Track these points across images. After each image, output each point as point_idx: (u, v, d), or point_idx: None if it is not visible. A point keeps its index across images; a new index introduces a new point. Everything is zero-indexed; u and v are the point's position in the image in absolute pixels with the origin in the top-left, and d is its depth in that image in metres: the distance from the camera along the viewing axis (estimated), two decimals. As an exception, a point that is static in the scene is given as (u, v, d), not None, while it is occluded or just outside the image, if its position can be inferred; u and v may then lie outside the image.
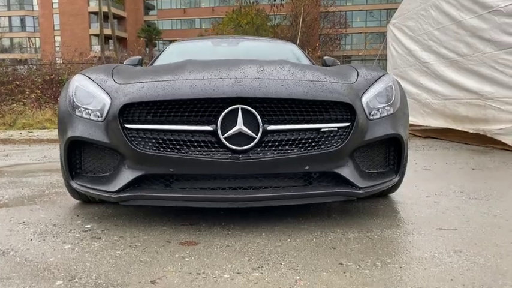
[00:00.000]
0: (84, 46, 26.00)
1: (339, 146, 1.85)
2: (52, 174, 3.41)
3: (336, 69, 2.48)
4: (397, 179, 2.11)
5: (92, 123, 1.93)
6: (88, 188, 1.96)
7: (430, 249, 1.65)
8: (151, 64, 3.57)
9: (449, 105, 5.94)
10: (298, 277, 1.39)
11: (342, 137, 1.87)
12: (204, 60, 2.42)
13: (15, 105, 9.81)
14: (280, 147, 1.81)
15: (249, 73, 1.95)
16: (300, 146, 1.83)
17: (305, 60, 3.60)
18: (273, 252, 1.62)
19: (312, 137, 1.84)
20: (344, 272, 1.43)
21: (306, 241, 1.74)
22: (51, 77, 11.19)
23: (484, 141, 5.22)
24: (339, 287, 1.32)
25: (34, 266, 1.51)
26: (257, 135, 1.76)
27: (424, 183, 2.87)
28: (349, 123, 1.87)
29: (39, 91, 10.77)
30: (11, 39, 41.00)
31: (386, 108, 2.08)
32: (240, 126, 1.74)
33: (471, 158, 4.21)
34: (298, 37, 12.57)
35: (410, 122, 7.11)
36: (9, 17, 42.04)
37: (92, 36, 37.82)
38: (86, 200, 2.36)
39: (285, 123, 1.82)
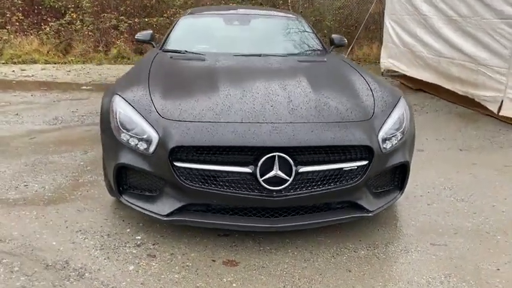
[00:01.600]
0: None
1: (357, 181, 2.17)
2: (74, 150, 3.63)
3: (351, 79, 2.70)
4: (400, 195, 2.48)
5: (139, 153, 2.17)
6: (138, 206, 2.25)
7: (425, 273, 2.07)
8: (164, 41, 3.63)
9: (443, 63, 6.14)
10: (327, 309, 1.81)
11: (360, 173, 2.18)
12: (232, 75, 2.61)
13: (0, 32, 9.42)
14: (308, 185, 2.11)
15: (282, 113, 2.18)
16: (325, 182, 2.14)
17: (314, 39, 3.71)
18: (303, 276, 2.02)
19: (335, 174, 2.15)
20: (361, 303, 1.85)
21: (326, 261, 2.14)
22: (32, -2, 10.55)
23: (471, 104, 5.57)
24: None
25: (113, 293, 1.88)
26: (290, 177, 2.05)
27: (418, 174, 3.24)
28: (367, 162, 2.17)
29: (20, 14, 10.23)
30: None
31: (398, 135, 2.36)
32: (276, 171, 2.02)
33: (459, 131, 4.59)
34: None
35: (403, 72, 7.34)
36: None
37: None
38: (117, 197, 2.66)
39: (313, 165, 2.10)
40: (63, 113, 4.80)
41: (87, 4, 10.08)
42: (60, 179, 3.04)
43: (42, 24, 10.11)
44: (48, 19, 10.18)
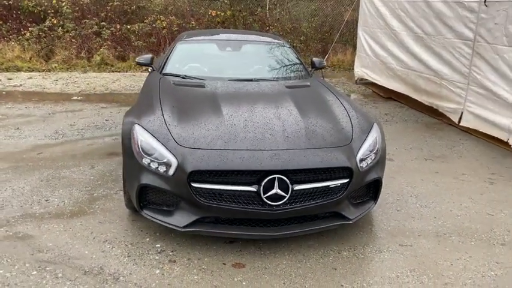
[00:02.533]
0: None
1: (340, 196, 2.69)
2: (82, 165, 4.01)
3: (331, 106, 3.22)
4: (374, 206, 3.02)
5: (160, 175, 2.61)
6: (158, 219, 2.70)
7: (395, 269, 2.61)
8: (164, 64, 4.05)
9: (411, 75, 6.79)
10: (319, 300, 2.32)
11: (342, 189, 2.70)
12: (233, 103, 3.08)
13: (-22, 39, 9.50)
14: (301, 200, 2.61)
15: (279, 140, 2.67)
16: (314, 197, 2.64)
17: (299, 64, 4.24)
18: (298, 274, 2.52)
19: (323, 191, 2.66)
20: (345, 294, 2.37)
21: (316, 262, 2.65)
22: (10, 2, 10.59)
23: (436, 114, 6.23)
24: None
25: (146, 292, 2.32)
26: (287, 194, 2.54)
27: (390, 182, 3.80)
28: (348, 179, 2.69)
29: (-1, 19, 10.30)
30: None
31: (372, 156, 2.90)
32: (276, 190, 2.51)
33: (425, 140, 5.21)
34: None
35: (375, 81, 8.01)
36: None
37: None
38: (134, 210, 3.08)
39: (305, 183, 2.60)
40: (62, 127, 5.13)
41: (68, 10, 10.26)
42: (76, 194, 3.43)
43: (21, 29, 10.20)
44: (28, 24, 10.28)
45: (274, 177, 2.50)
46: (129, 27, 10.18)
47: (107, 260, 2.59)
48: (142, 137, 2.73)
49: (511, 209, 3.45)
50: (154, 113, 2.95)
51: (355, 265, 2.64)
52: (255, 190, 2.52)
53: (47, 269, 2.48)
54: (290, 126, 2.85)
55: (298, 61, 4.38)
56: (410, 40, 6.79)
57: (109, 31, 10.00)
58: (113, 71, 9.12)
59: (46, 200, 3.30)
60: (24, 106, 6.00)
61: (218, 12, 11.17)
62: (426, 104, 6.43)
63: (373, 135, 2.98)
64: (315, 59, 4.57)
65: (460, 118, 5.70)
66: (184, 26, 10.48)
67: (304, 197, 2.62)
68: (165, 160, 2.61)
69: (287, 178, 2.52)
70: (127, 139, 2.82)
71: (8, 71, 8.48)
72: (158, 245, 2.76)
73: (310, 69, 4.49)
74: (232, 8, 11.40)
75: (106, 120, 5.48)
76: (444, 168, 4.31)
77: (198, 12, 11.33)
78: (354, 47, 9.60)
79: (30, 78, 7.91)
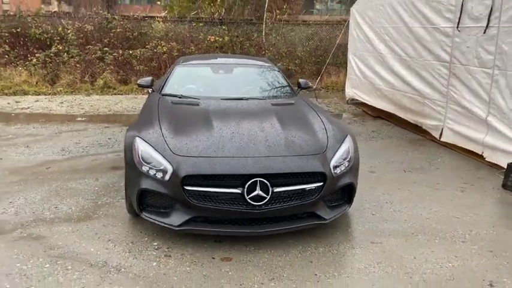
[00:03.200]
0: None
1: (316, 197, 3.09)
2: (87, 177, 4.43)
3: (310, 120, 3.65)
4: (349, 208, 3.41)
5: (157, 180, 3.02)
6: (155, 220, 3.09)
7: (364, 262, 2.99)
8: (163, 86, 4.52)
9: (397, 95, 7.26)
10: (294, 286, 2.68)
11: (317, 191, 3.10)
12: (223, 119, 3.51)
13: (-13, 65, 10.06)
14: (280, 200, 3.01)
15: (262, 149, 3.09)
16: (292, 198, 3.04)
17: (284, 84, 4.69)
18: (278, 266, 2.90)
19: (300, 193, 3.06)
20: (318, 281, 2.74)
21: (294, 256, 3.03)
22: (18, 30, 11.21)
23: (420, 131, 6.66)
24: (316, 292, 2.64)
25: (145, 279, 2.70)
26: (268, 195, 2.94)
27: (368, 192, 4.20)
28: (322, 183, 3.10)
29: (7, 46, 10.89)
30: None
31: (345, 163, 3.31)
32: (258, 191, 2.92)
33: (406, 154, 5.63)
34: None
35: (364, 101, 8.50)
36: None
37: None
38: (135, 214, 3.46)
39: (284, 186, 3.01)
40: (68, 144, 5.58)
41: (72, 37, 10.89)
42: (82, 202, 3.84)
43: (28, 55, 10.79)
44: (35, 50, 10.87)
45: (256, 181, 2.91)
46: (131, 52, 10.76)
47: (110, 255, 2.97)
48: (142, 147, 3.16)
49: (476, 213, 3.84)
50: (153, 127, 3.39)
51: (329, 259, 3.02)
52: (240, 192, 2.92)
53: (58, 262, 2.87)
54: (271, 137, 3.28)
55: (285, 82, 4.86)
56: (395, 62, 7.29)
57: (112, 56, 10.58)
58: (115, 94, 9.64)
59: (55, 207, 3.71)
60: (32, 126, 6.46)
61: (217, 38, 11.78)
62: (411, 121, 6.88)
63: (346, 145, 3.40)
64: (301, 80, 5.04)
65: (441, 134, 6.13)
66: (184, 51, 11.06)
67: (283, 198, 3.02)
68: (162, 167, 3.03)
69: (267, 181, 2.93)
70: (129, 150, 3.25)
71: (16, 95, 9.00)
72: (155, 243, 3.15)
73: (296, 89, 4.94)
74: (230, 34, 12.02)
75: (109, 138, 5.92)
76: (421, 179, 4.71)
77: (197, 38, 11.95)
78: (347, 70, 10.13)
79: (37, 101, 8.41)
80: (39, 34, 11.00)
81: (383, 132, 6.80)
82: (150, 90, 4.80)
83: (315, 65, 12.40)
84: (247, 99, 4.24)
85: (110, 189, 4.12)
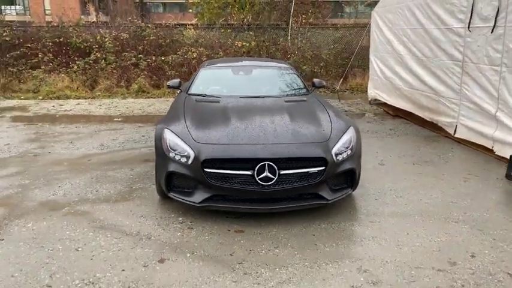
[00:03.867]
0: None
1: (318, 180, 3.56)
2: (123, 167, 5.07)
3: (318, 114, 4.12)
4: (351, 191, 3.86)
5: (181, 164, 3.59)
6: (180, 198, 3.66)
7: (360, 235, 3.43)
8: (189, 87, 5.11)
9: (415, 94, 7.58)
10: (296, 252, 3.17)
11: (320, 174, 3.57)
12: (239, 113, 4.05)
13: (35, 71, 11.08)
14: (286, 181, 3.50)
15: (270, 137, 3.60)
16: (297, 180, 3.53)
17: (299, 83, 5.17)
18: (283, 237, 3.39)
19: (303, 175, 3.54)
20: (317, 250, 3.21)
21: (299, 230, 3.51)
22: (61, 40, 12.21)
23: (436, 128, 6.96)
24: (317, 257, 3.10)
25: (170, 245, 3.26)
26: (275, 176, 3.44)
27: (375, 181, 4.62)
28: (324, 167, 3.57)
29: (51, 55, 11.89)
30: None
31: (347, 152, 3.76)
32: (266, 173, 3.42)
33: (418, 149, 5.97)
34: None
35: (385, 101, 8.87)
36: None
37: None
38: (164, 197, 4.04)
39: (289, 169, 3.50)
40: (106, 141, 6.28)
41: (109, 45, 11.77)
42: (119, 187, 4.47)
43: (70, 63, 11.76)
44: (75, 58, 11.83)
45: (265, 164, 3.42)
46: (163, 58, 11.53)
47: (142, 227, 3.56)
48: (170, 137, 3.74)
49: (474, 199, 4.18)
50: (179, 121, 3.97)
51: (330, 233, 3.48)
52: (251, 174, 3.44)
53: (100, 231, 3.47)
54: (280, 128, 3.78)
55: (299, 82, 5.34)
56: (413, 63, 7.62)
57: (145, 62, 11.39)
58: (148, 97, 10.40)
59: (96, 191, 4.35)
60: (74, 126, 7.24)
61: (244, 43, 12.39)
62: (428, 119, 7.18)
63: (348, 135, 3.85)
64: (315, 80, 5.52)
65: (455, 131, 6.42)
66: (213, 56, 11.73)
67: (289, 179, 3.51)
68: (185, 153, 3.59)
69: (274, 164, 3.43)
70: (158, 140, 3.84)
71: (59, 99, 9.92)
72: (180, 218, 3.72)
73: (311, 88, 5.42)
74: (257, 39, 12.60)
75: (142, 136, 6.59)
76: (428, 170, 5.07)
77: (225, 43, 12.61)
78: (371, 72, 10.47)
79: (78, 104, 9.27)
80: (80, 43, 11.94)
81: (399, 130, 7.15)
82: (178, 91, 5.40)
83: (340, 68, 12.76)
84: (263, 97, 4.76)
85: (142, 177, 4.74)
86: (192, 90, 5.01)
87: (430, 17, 6.99)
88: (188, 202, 3.62)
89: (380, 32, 8.96)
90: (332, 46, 13.06)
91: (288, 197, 3.60)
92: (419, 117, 7.46)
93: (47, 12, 27.41)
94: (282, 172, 3.47)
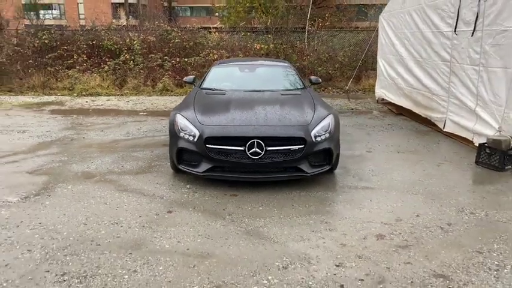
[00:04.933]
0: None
1: (298, 155, 4.45)
2: (144, 150, 6.10)
3: (305, 104, 5.01)
4: (328, 167, 4.73)
5: (189, 141, 4.56)
6: (187, 169, 4.63)
7: (331, 201, 4.30)
8: (201, 82, 6.10)
9: (414, 93, 8.33)
10: (275, 209, 4.07)
11: (300, 151, 4.46)
12: (239, 103, 5.00)
13: (70, 71, 12.39)
14: (272, 156, 4.41)
15: (261, 120, 4.53)
16: (281, 155, 4.44)
17: (297, 79, 6.07)
18: (268, 200, 4.29)
19: (286, 151, 4.45)
20: (292, 208, 4.11)
21: (282, 196, 4.41)
22: (93, 42, 13.52)
23: (430, 124, 7.70)
24: (290, 213, 3.99)
25: (177, 202, 4.22)
26: (262, 151, 4.36)
27: (358, 164, 5.45)
28: (303, 145, 4.46)
29: (84, 56, 13.21)
30: None
31: (326, 134, 4.64)
32: (255, 149, 4.34)
33: (408, 141, 6.76)
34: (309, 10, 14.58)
35: (390, 100, 9.72)
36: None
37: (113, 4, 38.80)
38: (176, 171, 5.02)
39: (274, 146, 4.40)
40: (132, 130, 7.36)
41: (138, 47, 12.97)
42: (140, 163, 5.49)
43: (101, 63, 13.03)
44: (106, 59, 13.09)
45: (254, 141, 4.34)
46: (186, 60, 12.64)
47: (157, 190, 4.54)
48: (181, 120, 4.72)
49: (438, 178, 4.96)
50: (189, 108, 4.95)
51: (307, 198, 4.36)
52: (243, 149, 4.37)
53: (123, 193, 4.48)
54: (270, 114, 4.70)
55: (297, 78, 6.24)
56: (412, 64, 8.38)
57: (170, 63, 12.53)
58: (172, 95, 11.51)
59: (122, 166, 5.38)
60: (105, 118, 8.38)
61: (262, 46, 13.35)
62: (423, 116, 7.93)
63: (327, 121, 4.73)
64: (312, 77, 6.42)
65: (444, 125, 7.16)
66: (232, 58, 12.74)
67: (274, 154, 4.42)
68: (192, 133, 4.56)
69: (262, 142, 4.35)
70: (171, 123, 4.82)
71: (91, 96, 11.16)
72: (188, 186, 4.69)
73: (308, 84, 6.31)
74: (275, 42, 13.54)
75: (163, 126, 7.64)
76: (409, 157, 5.86)
77: (245, 46, 13.61)
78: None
79: (108, 100, 10.46)
80: (111, 45, 13.21)
81: (396, 125, 7.92)
82: (193, 86, 6.41)
83: (355, 69, 13.54)
84: (263, 91, 5.69)
85: (160, 157, 5.74)
86: (204, 85, 6.00)
87: (425, 22, 7.75)
88: (194, 172, 4.58)
89: (386, 35, 9.74)
90: (347, 48, 13.82)
91: (274, 169, 4.52)
92: (419, 114, 8.19)
93: (81, 16, 29.33)
94: (268, 148, 4.38)
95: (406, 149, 6.29)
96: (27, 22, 20.50)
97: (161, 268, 3.03)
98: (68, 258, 3.14)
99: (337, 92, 12.28)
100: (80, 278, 2.90)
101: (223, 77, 6.28)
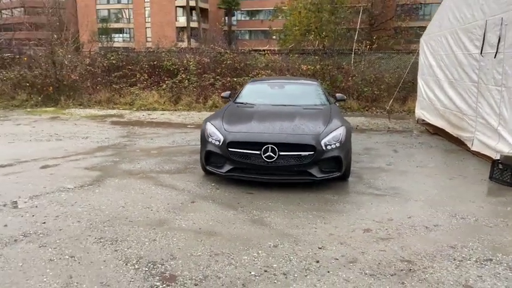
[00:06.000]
0: (170, 16, 30.32)
1: (308, 161, 5.12)
2: (183, 156, 7.03)
3: (321, 117, 5.68)
4: (338, 174, 5.33)
5: (215, 145, 5.39)
6: (213, 169, 5.45)
7: (336, 202, 4.90)
8: (236, 97, 6.97)
9: (447, 113, 8.65)
10: (282, 205, 4.75)
11: (310, 157, 5.13)
12: (261, 115, 5.78)
13: (132, 88, 13.90)
14: (285, 160, 5.12)
15: (276, 129, 5.27)
16: (293, 159, 5.13)
17: (322, 96, 6.76)
18: (278, 197, 4.98)
19: (297, 157, 5.13)
20: (298, 205, 4.76)
21: (292, 195, 5.07)
22: (155, 63, 15.03)
23: (462, 143, 7.98)
24: (294, 209, 4.65)
25: (201, 196, 5.03)
26: (275, 155, 5.08)
27: (373, 174, 5.98)
28: (313, 152, 5.12)
29: (146, 75, 14.72)
30: (109, 10, 48.26)
31: (336, 144, 5.27)
32: (269, 153, 5.07)
33: (431, 157, 7.14)
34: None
35: (427, 120, 10.12)
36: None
37: (177, 8, 42.50)
38: (205, 171, 5.84)
39: (287, 151, 5.11)
40: (177, 139, 8.37)
41: (193, 67, 14.25)
42: (178, 165, 6.41)
43: (160, 82, 14.44)
44: (165, 78, 14.49)
45: (268, 146, 5.08)
46: (235, 79, 13.69)
47: (187, 186, 5.40)
48: (210, 128, 5.59)
49: (446, 190, 5.37)
50: (218, 118, 5.80)
51: (313, 199, 4.99)
52: (259, 153, 5.11)
53: (158, 187, 5.38)
54: (286, 124, 5.43)
55: (323, 95, 6.92)
56: (447, 85, 8.73)
57: (220, 82, 13.64)
58: (220, 112, 12.53)
59: (162, 167, 6.33)
60: (156, 129, 9.51)
61: (309, 67, 14.12)
62: (455, 135, 8.22)
63: (338, 132, 5.36)
64: (337, 95, 7.08)
65: (472, 144, 7.44)
66: (279, 78, 13.60)
67: (287, 159, 5.12)
68: (218, 138, 5.39)
69: (276, 147, 5.07)
70: (202, 130, 5.70)
71: (148, 110, 12.49)
72: (213, 184, 5.50)
73: (333, 100, 6.96)
74: (322, 63, 14.24)
75: (205, 137, 8.59)
76: (426, 171, 6.28)
77: (293, 67, 14.45)
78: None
79: (162, 114, 11.70)
80: (170, 65, 14.63)
81: (427, 144, 8.28)
82: (229, 100, 7.30)
83: (403, 91, 13.84)
84: (288, 105, 6.43)
85: (196, 162, 6.62)
86: (237, 100, 6.86)
87: (458, 44, 8.14)
88: (218, 172, 5.40)
89: (425, 57, 10.13)
90: (395, 70, 14.18)
91: (286, 172, 5.21)
92: (452, 135, 8.48)
93: (148, 39, 32.04)
94: (281, 153, 5.09)
95: (426, 164, 6.68)
96: (100, 45, 22.89)
97: (175, 240, 3.83)
98: (106, 228, 4.04)
99: (380, 112, 12.68)
100: (112, 241, 3.77)
101: (254, 92, 7.11)
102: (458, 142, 8.15)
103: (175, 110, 12.71)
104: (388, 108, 11.80)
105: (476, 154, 7.26)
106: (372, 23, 29.46)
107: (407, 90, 13.51)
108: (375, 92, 13.62)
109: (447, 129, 8.63)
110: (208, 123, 5.69)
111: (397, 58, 15.06)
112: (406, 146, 8.01)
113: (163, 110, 12.73)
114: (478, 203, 4.90)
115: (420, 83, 10.54)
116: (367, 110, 13.02)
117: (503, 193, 5.29)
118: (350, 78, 13.68)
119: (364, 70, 14.25)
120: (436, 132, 9.35)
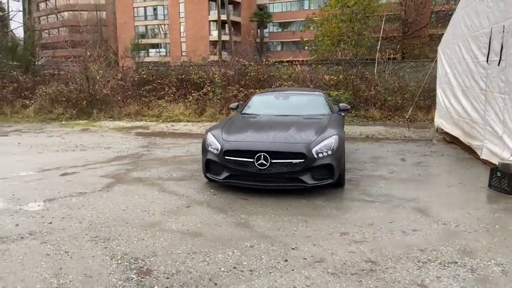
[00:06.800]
0: (203, 30, 31.42)
1: (300, 168, 5.38)
2: (193, 164, 7.45)
3: (317, 127, 5.94)
4: (330, 181, 5.55)
5: (214, 153, 5.76)
6: (212, 176, 5.82)
7: (325, 207, 5.13)
8: (242, 108, 7.34)
9: (461, 121, 8.63)
10: (270, 210, 5.04)
11: (300, 164, 5.39)
12: (260, 125, 6.10)
13: (160, 101, 14.61)
14: (277, 167, 5.40)
15: (270, 138, 5.58)
16: (285, 167, 5.41)
17: (325, 106, 7.00)
18: (270, 203, 5.26)
19: (289, 164, 5.40)
20: (286, 210, 5.03)
21: (283, 201, 5.34)
22: (183, 76, 15.70)
23: (472, 151, 7.95)
24: (281, 213, 4.91)
25: (197, 201, 5.40)
26: (267, 163, 5.38)
27: (371, 182, 6.14)
28: (304, 160, 5.38)
29: (174, 88, 15.39)
30: (146, 26, 50.99)
31: (328, 152, 5.51)
32: (262, 160, 5.38)
33: (438, 165, 7.19)
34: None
35: (445, 129, 10.13)
36: (145, 7, 52.09)
37: (210, 22, 44.14)
38: (209, 180, 6.21)
39: (279, 159, 5.39)
40: (192, 149, 8.84)
41: (218, 80, 14.79)
42: (185, 173, 6.83)
43: (187, 95, 15.06)
44: (192, 91, 15.09)
45: (261, 154, 5.39)
46: (257, 91, 14.06)
47: (187, 192, 5.79)
48: (210, 138, 5.97)
49: (439, 197, 5.45)
50: (218, 128, 6.18)
51: (303, 204, 5.23)
52: (252, 161, 5.43)
53: (161, 192, 5.80)
54: (280, 133, 5.72)
55: (326, 105, 7.16)
56: (460, 93, 8.73)
57: (243, 93, 14.07)
58: (241, 122, 12.95)
59: (170, 174, 6.77)
60: (175, 139, 10.05)
61: (332, 77, 14.31)
62: (467, 144, 8.19)
63: (330, 141, 5.58)
64: (341, 104, 7.29)
65: (481, 152, 7.41)
66: (301, 89, 13.87)
67: (278, 166, 5.41)
68: (216, 147, 5.76)
69: (268, 155, 5.37)
70: (204, 140, 6.09)
71: (173, 121, 13.11)
72: (212, 190, 5.86)
73: (337, 110, 7.19)
74: (345, 73, 14.40)
75: (219, 147, 8.99)
76: (426, 179, 6.36)
77: (316, 77, 14.69)
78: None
79: (185, 125, 12.26)
80: (197, 78, 15.24)
81: (439, 152, 8.29)
82: (236, 111, 7.69)
83: (427, 99, 13.74)
84: (289, 115, 6.71)
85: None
86: (243, 110, 7.23)
87: (468, 52, 8.15)
88: (216, 179, 5.76)
89: (442, 65, 10.13)
90: (419, 79, 14.11)
91: (278, 179, 5.49)
92: (463, 142, 8.45)
93: (183, 53, 33.26)
94: (273, 161, 5.39)
95: (430, 172, 6.75)
96: (132, 60, 24.05)
97: (161, 239, 4.21)
98: (102, 229, 4.49)
99: (402, 122, 12.66)
100: (105, 239, 4.20)
101: (260, 103, 7.45)
102: (470, 151, 8.11)
103: (199, 122, 13.24)
104: (407, 116, 11.77)
105: (486, 163, 7.23)
106: (405, 30, 29.17)
107: (432, 99, 13.38)
108: (399, 101, 13.60)
109: (461, 138, 8.60)
110: (209, 133, 6.08)
111: (429, 66, 14.95)
112: (416, 155, 8.07)
113: (187, 121, 13.30)
114: (466, 210, 4.98)
115: (438, 91, 10.52)
116: (389, 119, 13.03)
117: (497, 200, 5.33)
118: (373, 88, 13.74)
119: (387, 79, 14.26)
120: (452, 141, 9.31)
